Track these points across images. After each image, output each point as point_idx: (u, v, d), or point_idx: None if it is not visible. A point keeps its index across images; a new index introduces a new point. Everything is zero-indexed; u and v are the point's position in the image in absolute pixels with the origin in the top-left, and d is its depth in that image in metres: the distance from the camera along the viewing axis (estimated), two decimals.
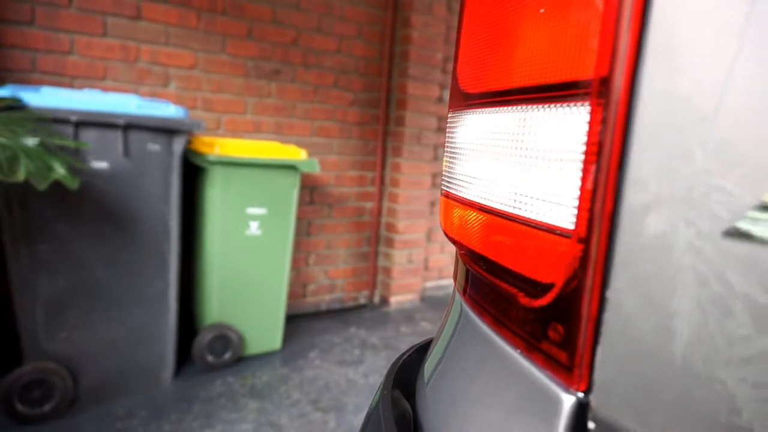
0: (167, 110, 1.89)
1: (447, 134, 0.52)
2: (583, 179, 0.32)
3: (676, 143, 0.28)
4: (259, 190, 2.22)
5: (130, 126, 1.80)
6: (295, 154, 2.28)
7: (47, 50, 2.15)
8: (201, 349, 2.20)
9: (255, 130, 2.71)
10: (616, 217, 0.31)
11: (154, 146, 1.86)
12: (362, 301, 3.31)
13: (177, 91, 2.46)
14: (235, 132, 2.65)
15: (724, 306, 0.26)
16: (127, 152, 1.81)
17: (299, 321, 2.91)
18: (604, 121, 0.31)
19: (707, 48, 0.27)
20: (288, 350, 2.51)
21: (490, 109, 0.42)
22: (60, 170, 1.24)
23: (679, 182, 0.28)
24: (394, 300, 3.29)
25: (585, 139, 0.32)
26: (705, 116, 0.27)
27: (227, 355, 2.26)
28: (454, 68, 0.51)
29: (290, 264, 2.46)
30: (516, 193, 0.38)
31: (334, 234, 3.12)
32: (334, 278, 3.17)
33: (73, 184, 1.30)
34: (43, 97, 1.67)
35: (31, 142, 1.23)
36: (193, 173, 2.29)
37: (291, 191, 2.30)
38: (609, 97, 0.30)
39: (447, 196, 0.52)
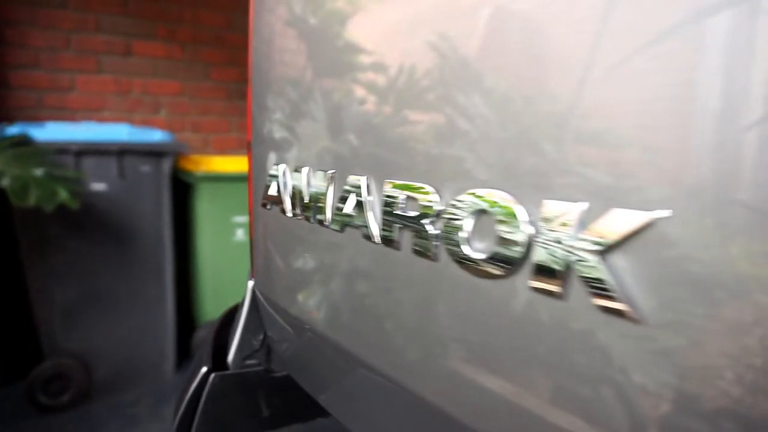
0: (155, 136, 2.18)
1: None
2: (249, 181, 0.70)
3: (261, 172, 0.65)
4: (243, 200, 2.49)
5: (123, 152, 2.08)
6: None
7: (51, 89, 2.46)
8: (199, 344, 2.47)
9: (240, 147, 2.99)
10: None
11: (145, 168, 2.15)
12: None
13: (167, 117, 2.75)
14: (222, 149, 2.94)
15: (282, 231, 0.62)
16: (122, 174, 2.10)
17: None
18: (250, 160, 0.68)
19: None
20: None
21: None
22: (63, 194, 1.52)
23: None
24: None
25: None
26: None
27: None
28: None
29: None
30: None
31: None
32: None
33: (74, 205, 1.59)
34: (48, 132, 1.96)
35: (39, 172, 1.52)
36: (185, 189, 2.57)
37: None
38: (251, 150, 0.67)
39: None
